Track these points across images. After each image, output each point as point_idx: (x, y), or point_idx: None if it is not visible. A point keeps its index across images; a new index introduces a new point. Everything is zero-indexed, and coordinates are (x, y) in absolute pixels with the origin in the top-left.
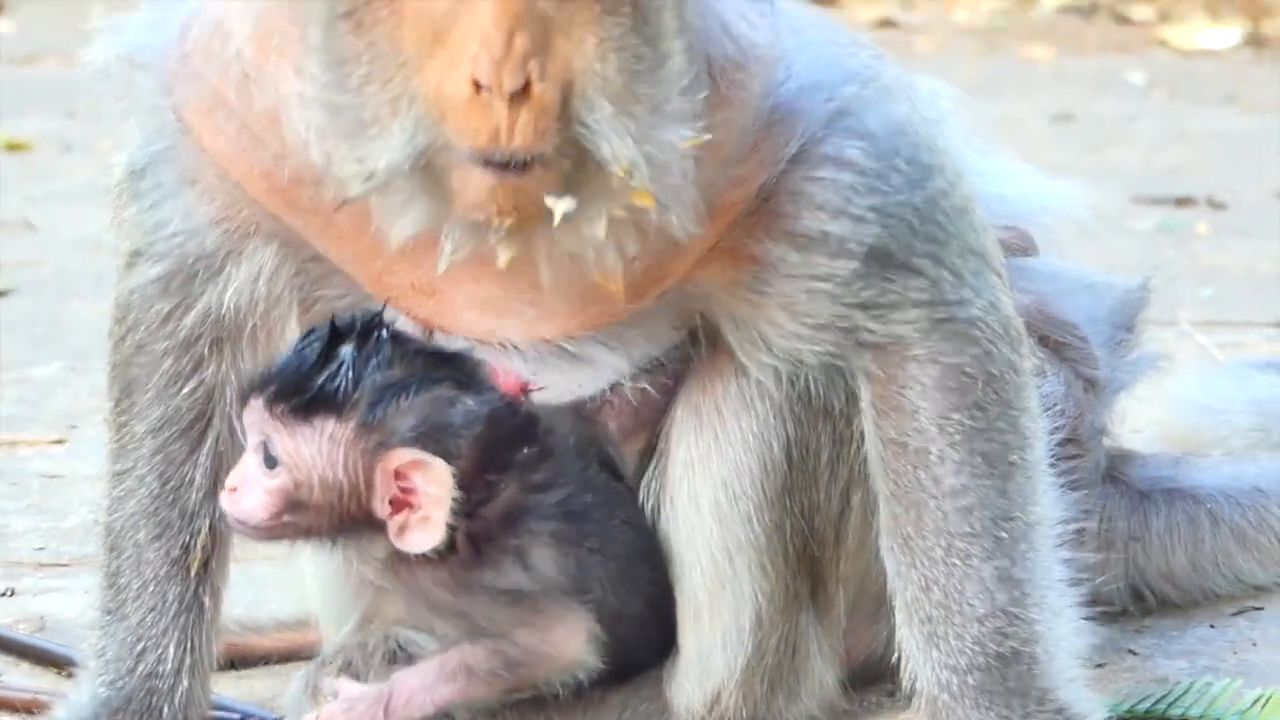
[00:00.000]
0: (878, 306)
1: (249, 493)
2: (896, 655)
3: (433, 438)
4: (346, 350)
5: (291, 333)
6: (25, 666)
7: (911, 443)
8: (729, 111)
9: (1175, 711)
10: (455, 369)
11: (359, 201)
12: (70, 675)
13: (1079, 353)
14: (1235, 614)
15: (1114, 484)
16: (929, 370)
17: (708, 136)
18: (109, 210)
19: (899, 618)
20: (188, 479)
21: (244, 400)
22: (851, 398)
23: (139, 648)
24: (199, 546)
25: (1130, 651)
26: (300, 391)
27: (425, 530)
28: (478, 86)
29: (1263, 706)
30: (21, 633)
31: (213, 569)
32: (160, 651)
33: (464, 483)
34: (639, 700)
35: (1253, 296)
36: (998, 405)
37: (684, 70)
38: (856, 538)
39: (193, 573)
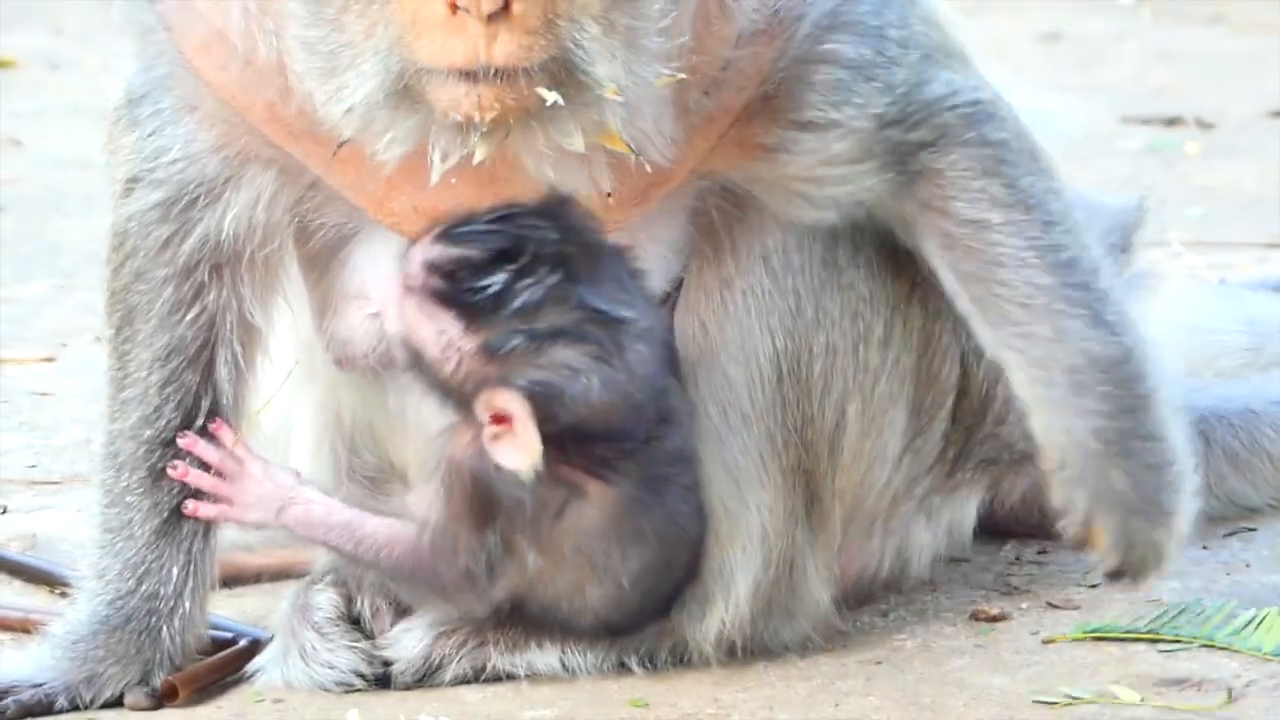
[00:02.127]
0: (918, 101)
1: (389, 302)
2: (889, 574)
3: (541, 399)
4: (506, 272)
5: (290, 260)
6: (17, 585)
7: (980, 240)
8: (723, 22)
9: (1169, 632)
10: (610, 332)
11: (355, 141)
12: (63, 594)
13: None
14: (1228, 535)
15: None
16: (974, 153)
17: (681, 76)
18: (104, 135)
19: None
20: (196, 404)
21: (419, 237)
22: (847, 303)
23: (142, 569)
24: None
25: None
26: (446, 278)
27: (517, 454)
28: (454, 7)
29: (1256, 628)
30: (13, 551)
31: None
32: (163, 573)
33: (550, 442)
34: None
35: (1242, 216)
36: (1030, 176)
37: (666, 9)
38: (852, 451)
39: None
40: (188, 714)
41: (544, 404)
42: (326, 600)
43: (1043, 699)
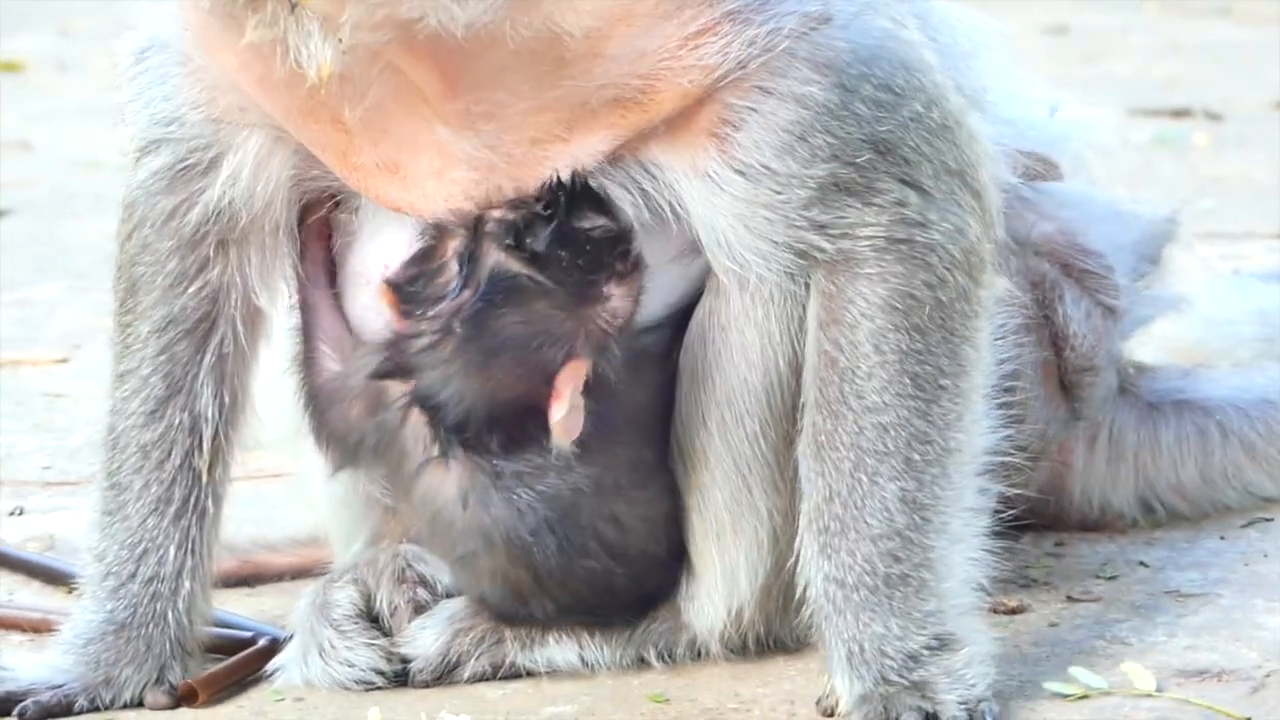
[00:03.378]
0: (835, 227)
1: None
2: None
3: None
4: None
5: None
6: (35, 586)
7: (844, 357)
8: None
9: None
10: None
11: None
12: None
13: (1101, 281)
14: (1245, 526)
15: (1123, 396)
16: (877, 289)
17: None
18: (118, 94)
19: (801, 523)
20: (193, 379)
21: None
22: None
23: (140, 549)
24: (208, 450)
25: (1141, 564)
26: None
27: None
28: None
29: None
30: (30, 551)
31: (218, 474)
32: (160, 553)
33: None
34: (654, 622)
35: (1253, 207)
36: (940, 331)
37: None
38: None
39: (204, 476)
40: (208, 713)
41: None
42: (345, 598)
43: (1061, 691)
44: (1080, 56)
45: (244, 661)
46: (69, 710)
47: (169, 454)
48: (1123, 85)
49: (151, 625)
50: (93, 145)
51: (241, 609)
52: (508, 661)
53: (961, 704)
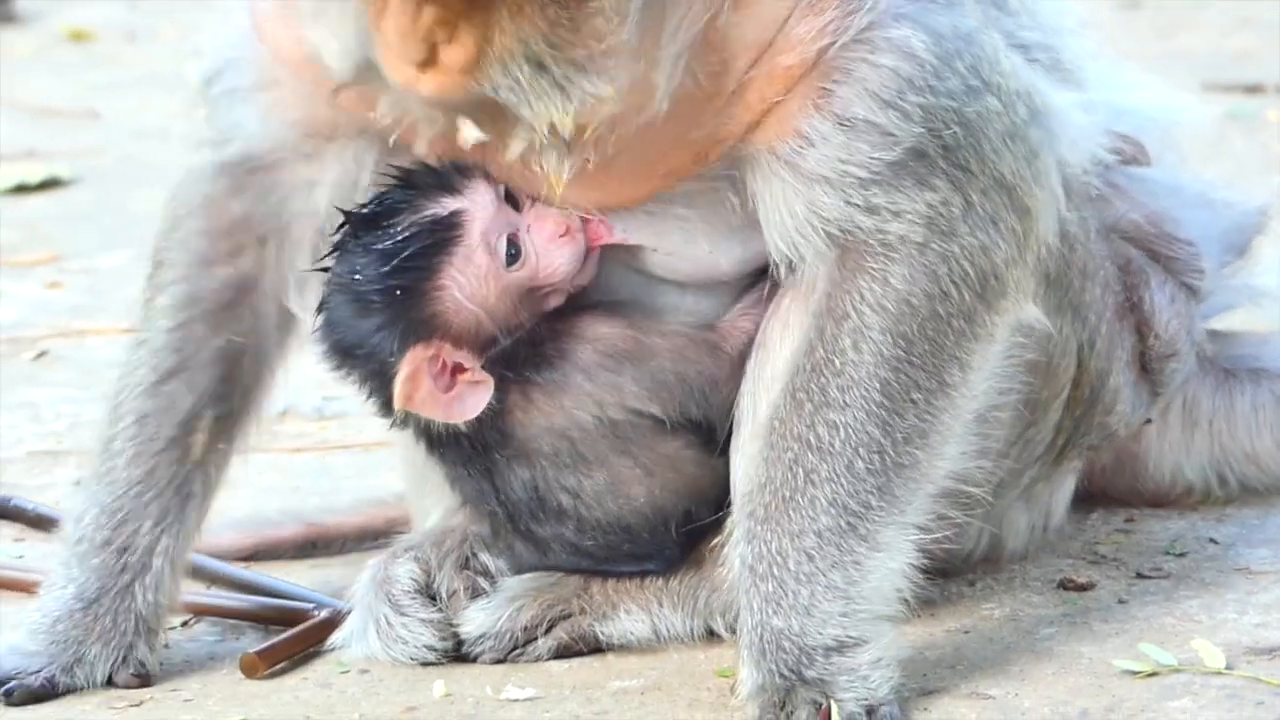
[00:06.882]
0: (882, 212)
1: None
2: (984, 554)
3: None
4: None
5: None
6: None
7: (822, 348)
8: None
9: None
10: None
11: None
12: None
13: (1186, 264)
14: None
15: (1199, 363)
16: (874, 286)
17: (617, 100)
18: (189, 109)
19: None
20: (202, 360)
21: None
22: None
23: (118, 517)
24: (203, 431)
25: (1212, 540)
26: None
27: None
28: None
29: None
30: None
31: (210, 458)
32: (136, 525)
33: None
34: (718, 591)
35: None
36: (926, 344)
37: (615, 25)
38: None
39: (194, 455)
40: (273, 684)
41: None
42: (406, 574)
43: (1131, 668)
44: (1154, 31)
45: (304, 634)
46: (54, 692)
47: (162, 427)
48: (1196, 60)
49: (118, 599)
50: (160, 115)
51: (305, 580)
52: (578, 635)
53: (861, 702)
